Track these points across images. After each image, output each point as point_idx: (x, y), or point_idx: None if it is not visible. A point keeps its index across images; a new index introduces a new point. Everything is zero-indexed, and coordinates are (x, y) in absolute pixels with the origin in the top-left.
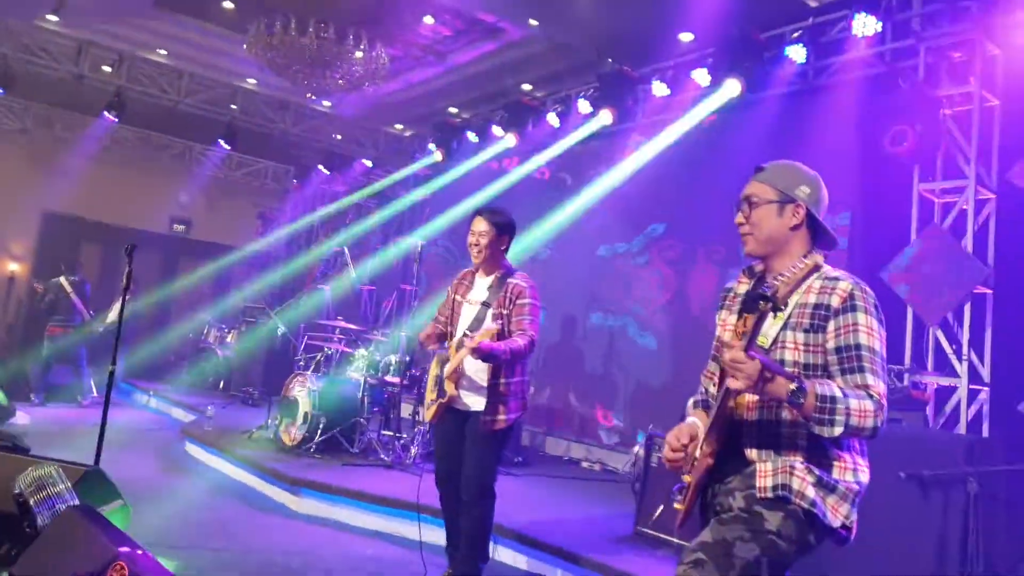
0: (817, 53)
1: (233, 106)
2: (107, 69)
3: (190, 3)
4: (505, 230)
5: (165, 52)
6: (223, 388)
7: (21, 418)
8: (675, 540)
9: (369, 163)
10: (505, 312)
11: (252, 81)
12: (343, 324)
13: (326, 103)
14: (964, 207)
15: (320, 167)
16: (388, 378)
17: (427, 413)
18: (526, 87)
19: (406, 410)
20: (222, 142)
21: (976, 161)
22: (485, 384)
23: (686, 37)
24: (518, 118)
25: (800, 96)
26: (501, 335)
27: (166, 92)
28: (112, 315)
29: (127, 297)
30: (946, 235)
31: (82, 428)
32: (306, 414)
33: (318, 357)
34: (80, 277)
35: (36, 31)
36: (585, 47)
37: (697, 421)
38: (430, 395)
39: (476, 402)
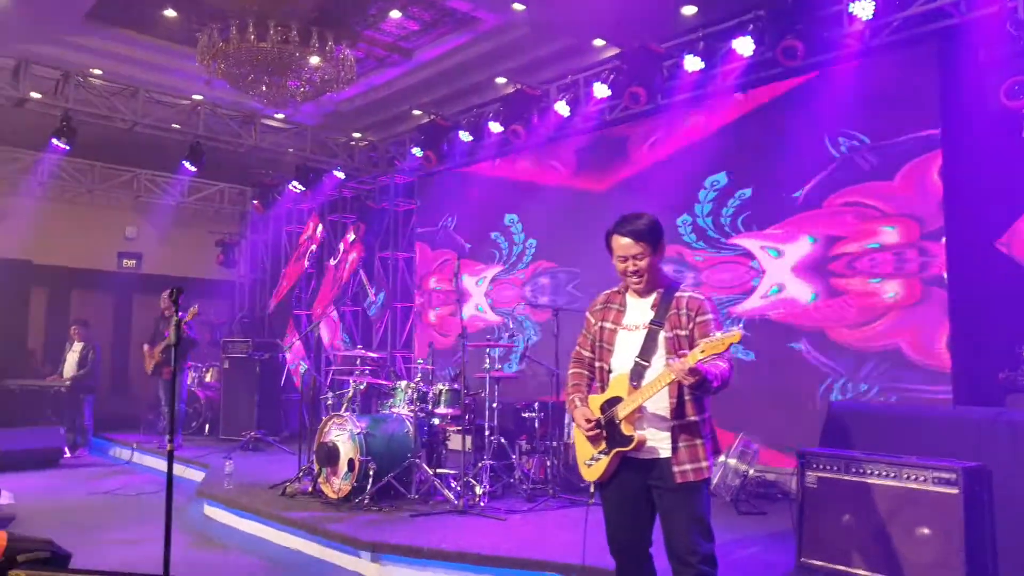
0: (886, 7)
1: (175, 125)
2: (36, 95)
3: (127, 14)
4: (659, 239)
5: (100, 72)
6: (209, 433)
7: (4, 498)
8: (850, 569)
9: (341, 175)
10: (683, 333)
11: (198, 97)
12: (366, 354)
13: (279, 115)
14: None
15: (294, 184)
16: (440, 410)
17: (591, 472)
18: (500, 80)
19: (454, 442)
20: (187, 164)
21: None
22: (670, 422)
23: (689, 10)
24: (520, 110)
25: (870, 58)
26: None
27: (118, 112)
28: (69, 367)
29: (176, 354)
30: None
31: (75, 500)
32: (351, 460)
33: (349, 393)
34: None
35: None
36: (578, 28)
37: None
38: (591, 449)
39: (663, 446)
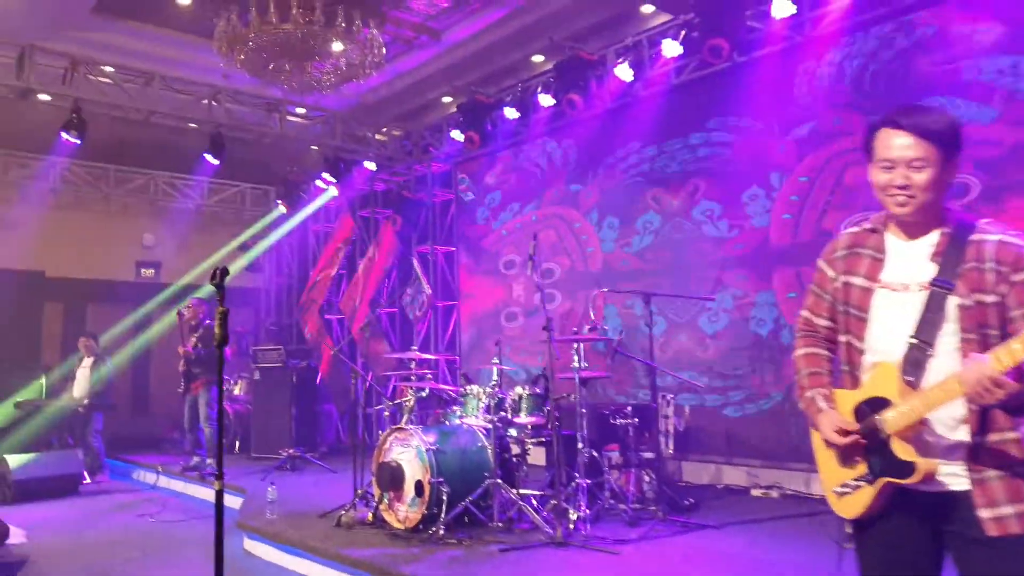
0: None
1: (214, 104)
2: (44, 92)
3: (136, 5)
4: (956, 148)
5: (111, 69)
6: (240, 451)
7: (15, 536)
8: None
9: (373, 166)
10: (990, 300)
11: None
12: (421, 356)
13: (300, 110)
14: None
15: (325, 175)
16: (520, 419)
17: (844, 504)
18: (537, 59)
19: (533, 457)
20: (208, 157)
21: None
22: (967, 440)
23: None
24: (575, 78)
25: None
26: (986, 342)
27: (132, 102)
28: (79, 385)
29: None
30: None
31: (96, 534)
32: (419, 483)
33: (409, 402)
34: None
35: None
36: None
37: None
38: (842, 471)
39: (957, 473)
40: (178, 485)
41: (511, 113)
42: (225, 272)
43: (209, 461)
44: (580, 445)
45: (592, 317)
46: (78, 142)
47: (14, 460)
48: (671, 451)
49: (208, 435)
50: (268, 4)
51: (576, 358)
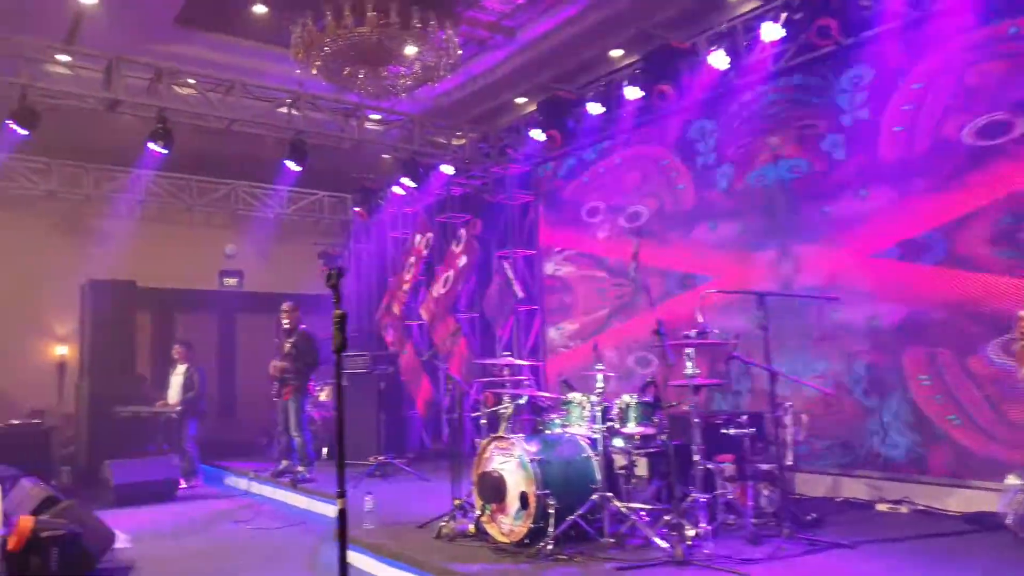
0: None
1: (293, 111)
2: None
3: (216, 15)
4: None
5: (193, 82)
6: (328, 457)
7: (121, 541)
8: None
9: (450, 170)
10: None
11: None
12: (514, 362)
13: (374, 116)
14: None
15: (404, 180)
16: (628, 428)
17: None
18: (615, 54)
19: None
20: (290, 164)
21: None
22: None
23: None
24: (664, 68)
25: None
26: None
27: (214, 110)
28: (174, 391)
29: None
30: None
31: (199, 540)
32: (523, 495)
33: (508, 410)
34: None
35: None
36: None
37: None
38: None
39: None
40: (268, 491)
41: (595, 108)
42: (341, 273)
43: (300, 469)
44: (696, 457)
45: (700, 320)
46: (165, 151)
47: (115, 465)
48: (791, 462)
49: (299, 444)
50: (343, 8)
51: (689, 364)
